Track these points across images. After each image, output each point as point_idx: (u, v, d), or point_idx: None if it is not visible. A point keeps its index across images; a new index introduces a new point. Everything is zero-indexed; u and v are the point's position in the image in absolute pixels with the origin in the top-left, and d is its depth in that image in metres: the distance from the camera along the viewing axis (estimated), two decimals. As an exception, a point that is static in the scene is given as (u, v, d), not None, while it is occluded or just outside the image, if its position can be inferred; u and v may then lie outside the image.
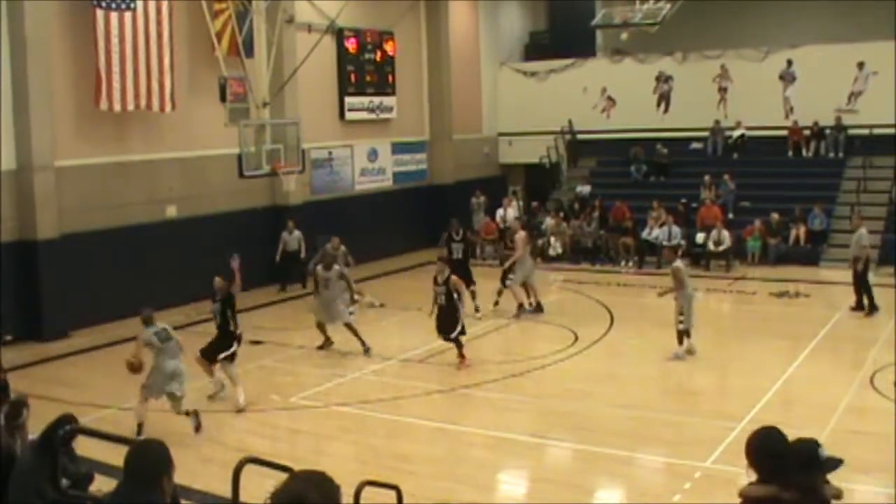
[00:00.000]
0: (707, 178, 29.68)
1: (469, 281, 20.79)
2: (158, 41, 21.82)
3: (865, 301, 21.15)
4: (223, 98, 21.22)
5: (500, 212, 29.05)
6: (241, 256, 15.80)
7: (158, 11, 21.77)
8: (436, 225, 30.72)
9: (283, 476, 4.08)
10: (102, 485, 9.35)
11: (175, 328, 14.94)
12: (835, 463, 5.54)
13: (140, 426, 13.50)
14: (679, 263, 17.81)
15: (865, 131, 29.40)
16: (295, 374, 16.98)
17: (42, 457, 7.52)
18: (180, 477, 5.14)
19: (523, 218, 29.85)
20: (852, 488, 11.47)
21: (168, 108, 22.29)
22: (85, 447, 9.74)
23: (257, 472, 8.20)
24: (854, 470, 11.83)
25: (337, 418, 14.70)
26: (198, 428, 13.61)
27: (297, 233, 24.57)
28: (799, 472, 5.32)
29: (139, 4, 21.33)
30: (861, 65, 29.97)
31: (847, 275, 24.27)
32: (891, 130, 28.77)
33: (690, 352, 17.45)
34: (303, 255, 23.67)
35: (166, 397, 13.68)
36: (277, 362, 18.11)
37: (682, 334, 17.36)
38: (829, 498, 5.51)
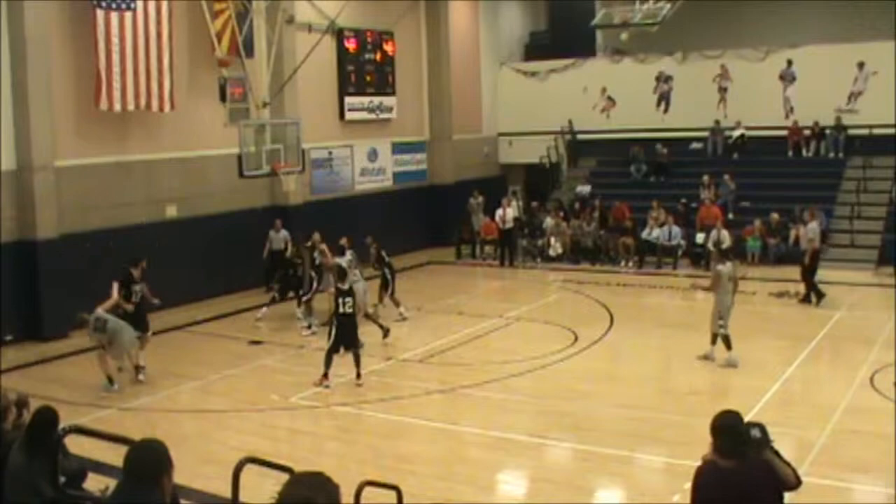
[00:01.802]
0: (706, 178, 29.67)
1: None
2: (158, 41, 21.79)
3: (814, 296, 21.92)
4: (223, 98, 21.25)
5: (499, 212, 29.04)
6: (241, 255, 15.88)
7: (158, 12, 21.73)
8: (436, 225, 30.82)
9: (283, 476, 4.09)
10: (97, 483, 9.35)
11: (177, 328, 15.09)
12: (763, 441, 6.49)
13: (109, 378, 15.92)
14: (721, 267, 17.59)
15: (865, 131, 29.40)
16: (294, 374, 16.97)
17: (35, 455, 7.51)
18: (180, 477, 5.15)
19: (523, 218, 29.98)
20: (851, 487, 11.53)
21: (168, 108, 22.25)
22: (84, 447, 9.74)
23: (257, 472, 8.22)
24: (853, 469, 11.92)
25: (337, 418, 14.71)
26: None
27: (283, 232, 24.39)
28: (730, 445, 6.34)
29: (139, 4, 21.30)
30: (861, 65, 29.98)
31: (848, 275, 24.39)
32: (891, 130, 28.76)
33: (732, 363, 16.95)
34: (288, 254, 23.48)
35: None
36: (277, 362, 18.12)
37: (726, 340, 17.09)
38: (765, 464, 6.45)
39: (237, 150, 20.07)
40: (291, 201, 25.67)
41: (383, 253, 21.63)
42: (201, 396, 15.97)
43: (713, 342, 17.23)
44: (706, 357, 17.24)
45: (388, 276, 21.44)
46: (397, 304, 21.34)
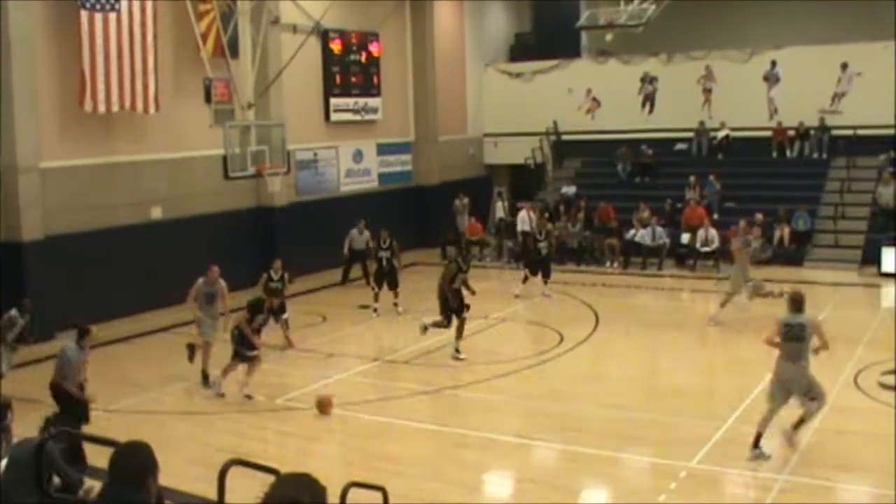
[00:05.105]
0: (692, 178, 29.75)
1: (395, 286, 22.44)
2: (143, 42, 21.73)
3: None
4: (208, 99, 21.21)
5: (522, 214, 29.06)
6: (227, 257, 15.89)
7: (143, 12, 21.68)
8: (421, 226, 30.84)
9: (270, 478, 4.09)
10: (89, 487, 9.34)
11: (163, 329, 15.12)
12: None
13: None
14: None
15: (849, 132, 29.52)
16: (280, 376, 16.96)
17: (34, 459, 7.53)
18: (166, 479, 5.14)
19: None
20: (836, 486, 11.57)
21: (153, 109, 22.19)
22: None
23: (243, 474, 8.20)
24: (838, 469, 11.96)
25: (323, 419, 14.69)
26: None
27: (366, 233, 25.30)
28: None
29: (124, 5, 21.23)
30: (844, 66, 30.10)
31: (832, 275, 24.54)
32: (874, 131, 28.92)
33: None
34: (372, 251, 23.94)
35: None
36: (263, 363, 18.05)
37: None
38: None
39: (222, 151, 20.02)
40: (277, 203, 25.67)
41: (394, 243, 22.49)
42: (187, 398, 15.95)
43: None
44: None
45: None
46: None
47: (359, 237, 25.49)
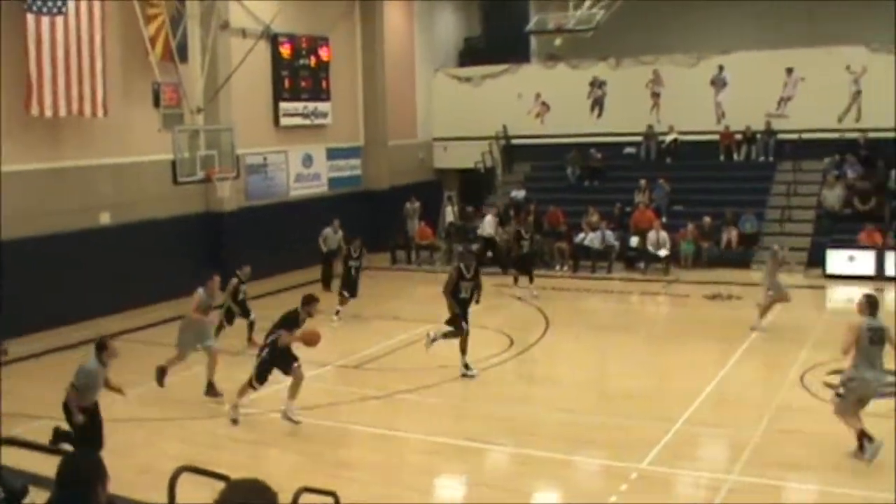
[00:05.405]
0: (643, 181, 29.97)
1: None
2: (91, 46, 21.43)
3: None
4: (157, 103, 21.11)
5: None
6: (176, 262, 15.64)
7: (91, 15, 21.36)
8: (371, 230, 30.74)
9: (221, 485, 4.07)
10: (35, 497, 9.22)
11: (113, 335, 14.89)
12: None
13: None
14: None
15: (795, 136, 29.90)
16: (232, 381, 16.78)
17: None
18: (117, 487, 5.10)
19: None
20: (784, 485, 11.72)
21: (100, 113, 21.88)
22: (15, 458, 9.60)
23: (194, 481, 8.16)
24: (786, 468, 12.11)
25: (275, 425, 14.60)
26: None
27: (340, 232, 25.43)
28: None
29: (71, 8, 20.90)
30: (790, 70, 30.48)
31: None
32: (818, 135, 29.35)
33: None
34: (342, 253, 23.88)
35: None
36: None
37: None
38: None
39: (171, 156, 19.92)
40: (226, 207, 25.55)
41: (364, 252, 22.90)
42: (137, 405, 15.76)
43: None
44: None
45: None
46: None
47: (333, 236, 25.46)
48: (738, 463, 12.17)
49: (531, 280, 24.46)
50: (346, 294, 22.11)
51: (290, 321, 14.40)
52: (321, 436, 14.14)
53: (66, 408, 11.80)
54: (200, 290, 16.37)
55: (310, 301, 14.46)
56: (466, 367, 16.88)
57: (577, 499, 11.67)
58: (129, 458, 12.66)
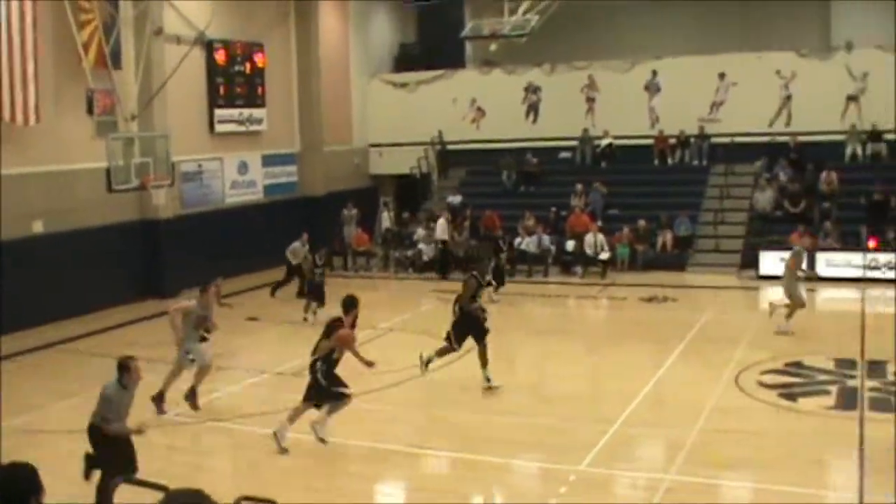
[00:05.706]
0: (579, 186, 30.17)
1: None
2: (22, 51, 20.93)
3: None
4: (90, 111, 20.84)
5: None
6: (112, 271, 15.37)
7: (22, 20, 20.85)
8: (308, 237, 30.62)
9: (159, 495, 4.04)
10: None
11: (48, 346, 14.67)
12: None
13: None
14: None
15: (727, 140, 30.31)
16: (172, 391, 16.63)
17: None
18: (51, 500, 5.03)
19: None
20: (720, 484, 11.88)
21: (33, 120, 21.43)
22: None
23: (132, 492, 8.08)
24: (721, 466, 12.28)
25: (214, 434, 14.51)
26: None
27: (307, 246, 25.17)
28: None
29: (2, 13, 20.52)
30: (722, 76, 30.93)
31: (713, 278, 25.20)
32: (751, 139, 29.82)
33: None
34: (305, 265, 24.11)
35: None
36: (154, 378, 17.70)
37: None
38: None
39: (105, 163, 19.67)
40: (162, 215, 25.31)
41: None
42: (74, 416, 15.43)
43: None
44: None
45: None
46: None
47: (301, 249, 24.94)
48: (676, 463, 12.31)
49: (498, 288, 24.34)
50: (315, 304, 22.40)
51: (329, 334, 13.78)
52: (259, 444, 14.02)
53: (91, 432, 11.04)
54: (193, 302, 15.73)
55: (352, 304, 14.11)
56: (488, 379, 16.38)
57: (518, 500, 11.74)
58: (63, 470, 12.43)
